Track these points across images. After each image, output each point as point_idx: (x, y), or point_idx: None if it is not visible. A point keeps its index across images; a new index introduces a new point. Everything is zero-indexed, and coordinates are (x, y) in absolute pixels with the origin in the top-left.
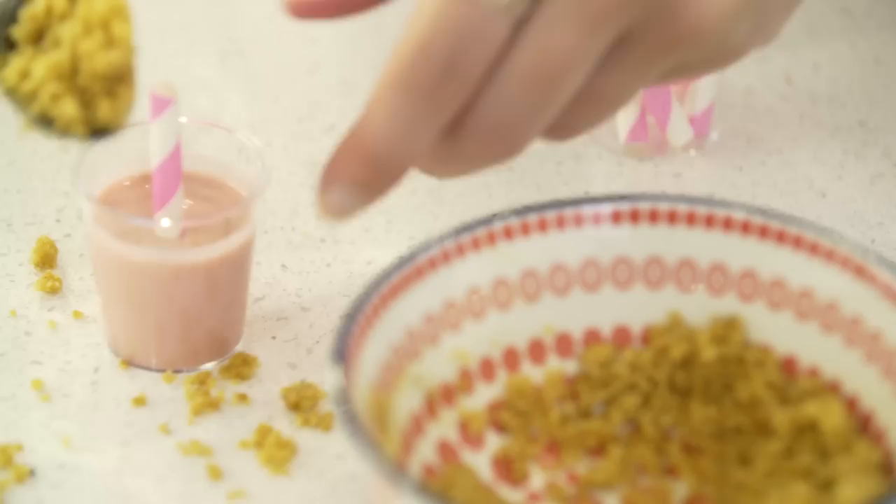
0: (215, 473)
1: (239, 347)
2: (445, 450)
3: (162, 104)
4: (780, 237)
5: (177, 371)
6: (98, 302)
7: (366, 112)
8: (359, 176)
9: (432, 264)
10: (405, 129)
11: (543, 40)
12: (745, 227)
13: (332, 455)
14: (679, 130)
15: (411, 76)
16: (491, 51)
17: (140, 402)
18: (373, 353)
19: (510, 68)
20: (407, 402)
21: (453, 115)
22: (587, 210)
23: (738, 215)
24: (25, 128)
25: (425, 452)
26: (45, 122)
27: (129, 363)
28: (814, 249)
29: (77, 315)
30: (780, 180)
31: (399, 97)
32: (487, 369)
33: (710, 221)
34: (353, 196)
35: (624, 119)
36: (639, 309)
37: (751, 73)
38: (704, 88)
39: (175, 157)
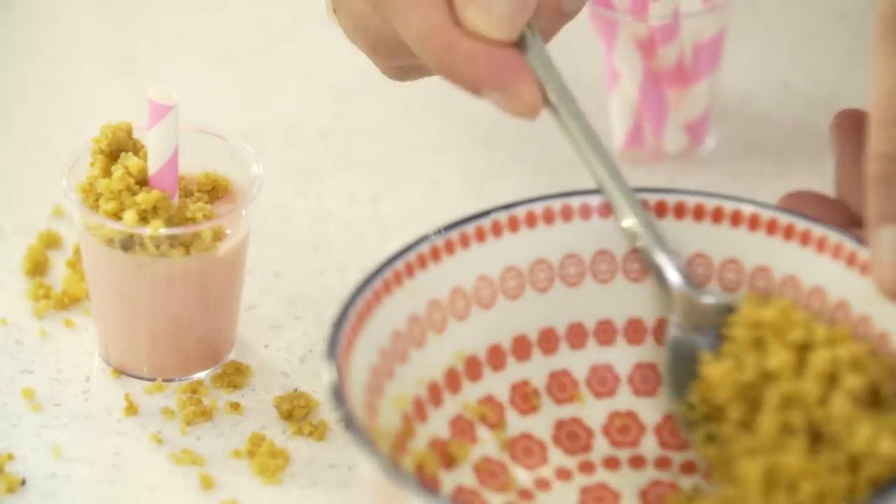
0: (207, 483)
1: (231, 356)
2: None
3: (161, 111)
4: (790, 232)
5: (168, 380)
6: (90, 310)
7: None
8: None
9: (421, 262)
10: None
11: None
12: (753, 222)
13: (326, 464)
14: (675, 137)
15: None
16: None
17: (131, 411)
18: (364, 353)
19: None
20: (392, 419)
21: None
22: (575, 203)
23: (747, 210)
24: None
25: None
26: None
27: (120, 372)
28: (821, 245)
29: (68, 324)
30: (777, 187)
31: None
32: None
33: (716, 215)
34: None
35: (619, 126)
36: (623, 302)
37: (748, 80)
38: (700, 95)
39: (173, 162)
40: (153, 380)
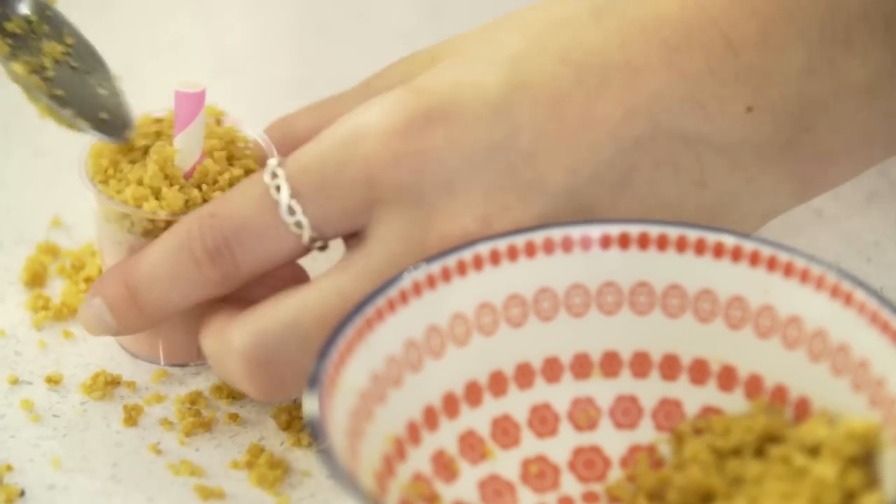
0: (206, 494)
1: None
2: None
3: (194, 102)
4: (771, 263)
5: (183, 365)
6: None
7: (150, 245)
8: (116, 298)
9: (417, 289)
10: (166, 279)
11: (363, 290)
12: (735, 254)
13: (324, 475)
14: None
15: (191, 237)
16: (270, 257)
17: (130, 422)
18: (353, 378)
19: (326, 308)
20: (379, 445)
21: (208, 294)
22: (575, 234)
23: (729, 242)
24: (42, 114)
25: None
26: (61, 105)
27: (136, 357)
28: (804, 277)
29: (67, 335)
30: None
31: (174, 248)
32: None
33: (700, 247)
34: (107, 315)
35: None
36: (627, 335)
37: None
38: None
39: (201, 156)
40: (169, 365)
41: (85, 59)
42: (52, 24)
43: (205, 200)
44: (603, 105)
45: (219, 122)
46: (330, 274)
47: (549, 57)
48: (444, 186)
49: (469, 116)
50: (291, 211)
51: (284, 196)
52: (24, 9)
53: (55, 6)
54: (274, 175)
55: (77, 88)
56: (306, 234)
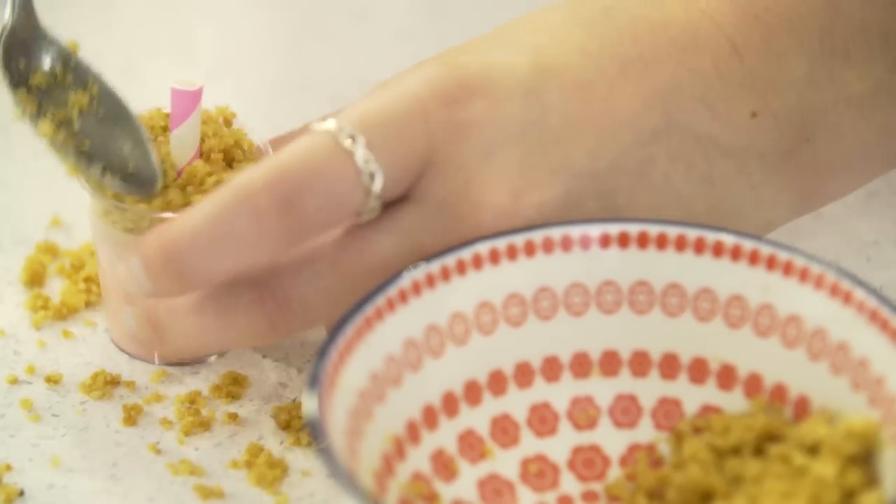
0: (205, 493)
1: (230, 366)
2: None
3: (190, 99)
4: (770, 262)
5: (181, 365)
6: (101, 299)
7: (191, 208)
8: (150, 260)
9: (416, 289)
10: (208, 241)
11: (382, 245)
12: (735, 253)
13: (323, 474)
14: None
15: (252, 190)
16: (339, 210)
17: (129, 421)
18: (352, 378)
19: (343, 254)
20: (379, 444)
21: (263, 257)
22: (575, 233)
23: (728, 241)
24: (70, 172)
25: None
26: (88, 161)
27: (132, 358)
28: (803, 276)
29: (66, 335)
30: None
31: (226, 205)
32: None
33: (699, 246)
34: (140, 275)
35: None
36: (626, 333)
37: None
38: None
39: (197, 152)
40: (165, 365)
41: (109, 107)
42: (76, 73)
43: (186, 203)
44: (622, 95)
45: (228, 122)
46: (357, 230)
47: (568, 48)
48: (484, 156)
49: (503, 93)
50: (366, 159)
51: (361, 143)
52: (49, 61)
53: (78, 55)
54: (339, 127)
55: (103, 139)
56: (378, 183)
